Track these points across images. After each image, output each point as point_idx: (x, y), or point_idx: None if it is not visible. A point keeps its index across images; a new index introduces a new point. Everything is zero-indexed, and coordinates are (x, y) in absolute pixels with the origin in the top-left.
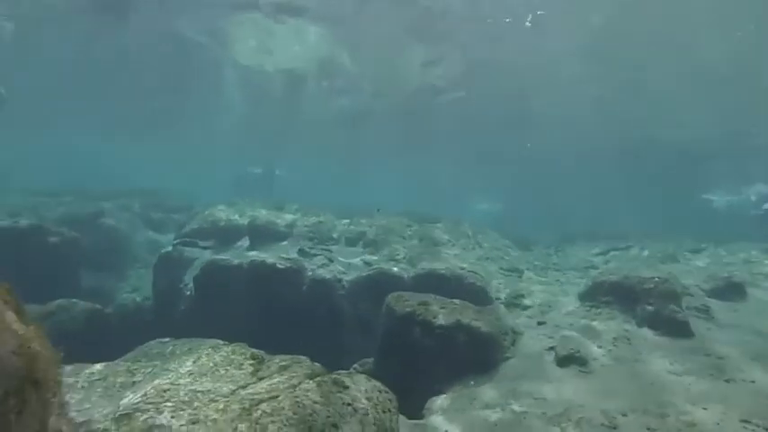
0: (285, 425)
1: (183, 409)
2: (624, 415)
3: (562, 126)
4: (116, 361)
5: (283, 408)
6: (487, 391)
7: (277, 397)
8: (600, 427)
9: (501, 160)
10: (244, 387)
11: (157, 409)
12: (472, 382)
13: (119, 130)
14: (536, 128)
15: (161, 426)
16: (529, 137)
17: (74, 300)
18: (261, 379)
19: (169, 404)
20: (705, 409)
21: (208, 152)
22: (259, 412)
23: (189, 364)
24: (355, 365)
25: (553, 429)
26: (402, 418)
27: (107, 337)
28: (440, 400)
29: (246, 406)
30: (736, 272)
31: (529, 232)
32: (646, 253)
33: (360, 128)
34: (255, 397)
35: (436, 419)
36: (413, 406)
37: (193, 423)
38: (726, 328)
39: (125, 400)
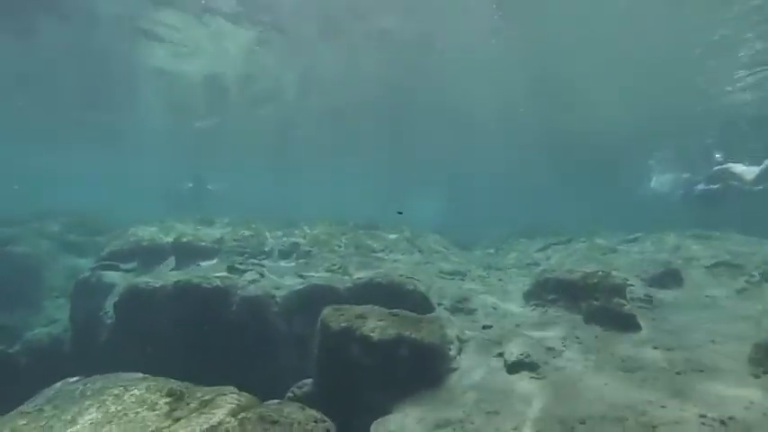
0: None
1: None
2: (582, 422)
3: (493, 122)
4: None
5: None
6: (435, 408)
7: None
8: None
9: (435, 161)
10: (159, 430)
11: None
12: (419, 400)
13: (33, 142)
14: (464, 126)
15: None
16: (458, 136)
17: None
18: (176, 420)
19: None
20: (663, 407)
21: (134, 167)
22: None
23: (93, 410)
24: (293, 389)
25: None
26: None
27: (14, 382)
28: (385, 423)
29: None
30: (670, 259)
31: (469, 233)
32: (585, 245)
33: (288, 135)
34: None
35: None
36: (357, 429)
37: None
38: (669, 318)
39: None
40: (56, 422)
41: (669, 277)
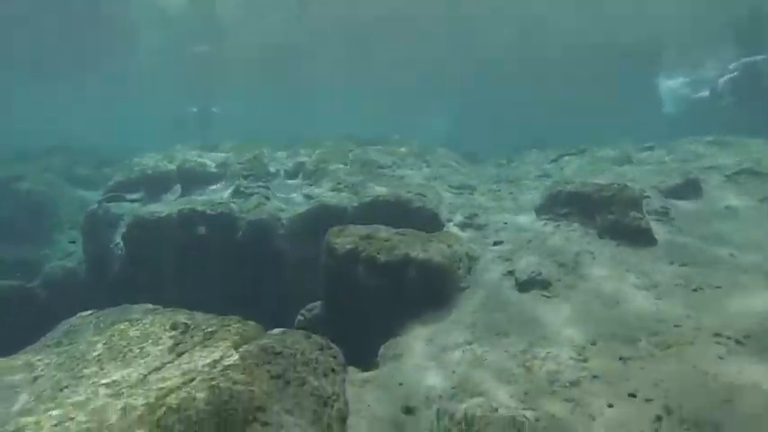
0: (194, 422)
1: (71, 417)
2: (593, 344)
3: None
4: (18, 353)
5: (195, 399)
6: (444, 330)
7: (191, 382)
8: (569, 360)
9: (445, 73)
10: (158, 370)
11: (37, 424)
12: (427, 322)
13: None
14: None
15: None
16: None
17: None
18: (180, 355)
19: (54, 413)
20: (677, 326)
21: (136, 96)
22: (163, 410)
23: (99, 347)
24: (302, 312)
25: (517, 371)
26: (353, 371)
27: (36, 316)
28: (393, 345)
29: (152, 401)
30: (689, 168)
31: (480, 146)
32: (599, 156)
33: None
34: (166, 385)
35: (390, 368)
36: (366, 351)
37: None
38: (686, 230)
39: (16, 407)
40: (65, 359)
41: (687, 188)
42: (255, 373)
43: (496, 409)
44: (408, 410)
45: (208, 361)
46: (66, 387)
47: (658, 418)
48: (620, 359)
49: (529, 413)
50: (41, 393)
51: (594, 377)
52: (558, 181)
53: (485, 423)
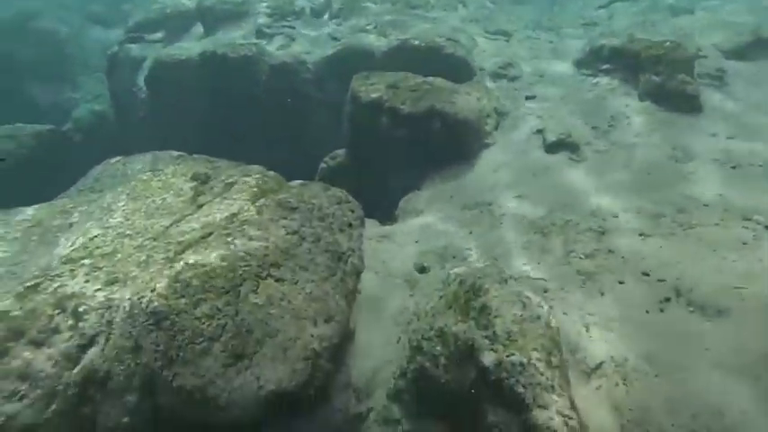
0: (209, 278)
1: (100, 267)
2: (615, 216)
3: None
4: (54, 200)
5: (211, 255)
6: (466, 187)
7: (209, 236)
8: (587, 232)
9: None
10: (178, 222)
11: (72, 271)
12: (449, 178)
13: None
14: None
15: (72, 295)
16: None
17: (18, 124)
18: (200, 207)
19: (87, 262)
20: (706, 205)
21: None
22: (181, 264)
23: (123, 198)
24: (326, 159)
25: (533, 237)
26: (371, 224)
27: (69, 160)
28: (413, 199)
29: (171, 254)
30: (762, 22)
31: None
32: (658, 2)
33: None
34: (185, 239)
35: (408, 224)
36: (386, 203)
37: (110, 284)
38: (741, 99)
39: (58, 249)
40: (96, 208)
41: (754, 47)
42: (271, 230)
43: (506, 280)
44: (422, 269)
45: (225, 215)
46: (96, 237)
47: (666, 299)
48: (641, 235)
49: (539, 283)
50: (75, 242)
51: (610, 251)
52: (603, 33)
53: (492, 295)
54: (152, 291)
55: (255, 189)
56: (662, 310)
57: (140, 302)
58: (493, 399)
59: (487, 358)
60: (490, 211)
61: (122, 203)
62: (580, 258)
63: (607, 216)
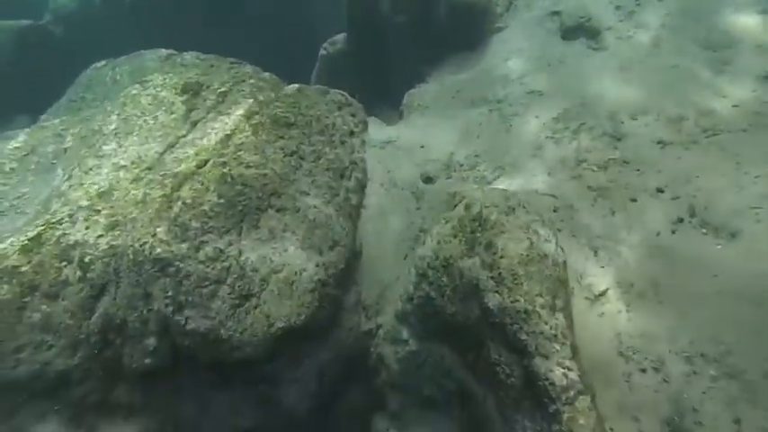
0: (209, 218)
1: (99, 210)
2: (634, 118)
3: None
4: (41, 120)
5: (208, 190)
6: (474, 80)
7: (204, 166)
8: (603, 137)
9: None
10: (172, 146)
11: (71, 216)
12: (455, 68)
13: None
14: None
15: (75, 244)
16: None
17: None
18: (194, 125)
19: (85, 203)
20: (736, 106)
21: None
22: (179, 204)
23: (114, 119)
24: (325, 46)
25: (544, 143)
26: (375, 124)
27: (52, 58)
28: (418, 94)
29: (168, 191)
30: None
31: None
32: None
33: None
34: (181, 169)
35: (414, 124)
36: (390, 97)
37: (111, 229)
38: None
39: (56, 181)
40: (86, 131)
41: None
42: (268, 153)
43: (513, 209)
44: (428, 179)
45: (220, 136)
46: (91, 170)
47: (679, 220)
48: (659, 143)
49: (548, 200)
50: (72, 174)
51: (625, 162)
52: None
53: (498, 230)
54: (153, 236)
55: (250, 99)
56: (673, 232)
57: (143, 249)
58: (496, 339)
59: (492, 301)
60: (500, 110)
61: (114, 126)
62: (593, 171)
63: (625, 119)
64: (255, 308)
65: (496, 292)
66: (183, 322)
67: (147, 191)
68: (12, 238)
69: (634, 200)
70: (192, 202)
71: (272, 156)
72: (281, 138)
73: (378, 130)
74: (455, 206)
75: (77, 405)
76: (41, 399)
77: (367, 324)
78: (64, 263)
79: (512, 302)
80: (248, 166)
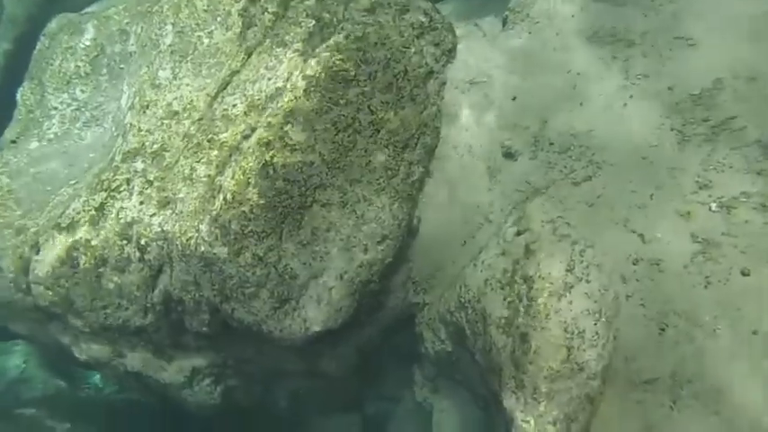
0: (248, 221)
1: (151, 182)
2: None
3: None
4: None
5: (248, 184)
6: None
7: (249, 138)
8: None
9: None
10: (225, 86)
11: (128, 184)
12: None
13: None
14: None
15: (132, 221)
16: None
17: None
18: (248, 55)
19: (139, 166)
20: None
21: None
22: (220, 200)
23: (169, 29)
24: None
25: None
26: (470, 37)
27: None
28: None
29: (212, 171)
30: None
31: None
32: None
33: None
34: (227, 139)
35: (514, 45)
36: None
37: (162, 207)
38: None
39: (123, 100)
40: (146, 39)
41: None
42: (318, 130)
43: (572, 270)
44: (509, 154)
45: (272, 89)
46: (148, 107)
47: None
48: None
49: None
50: (133, 105)
51: None
52: None
53: (542, 308)
54: (197, 231)
55: (311, 23)
56: None
57: (189, 244)
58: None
59: (507, 401)
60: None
61: (169, 41)
62: None
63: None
64: (294, 310)
65: (514, 393)
66: (229, 311)
67: (194, 163)
68: (81, 200)
69: None
70: (233, 200)
71: (321, 134)
72: (336, 104)
73: (469, 52)
74: (518, 233)
75: (157, 343)
76: (130, 336)
77: (415, 297)
78: (125, 241)
79: (523, 420)
80: (293, 149)
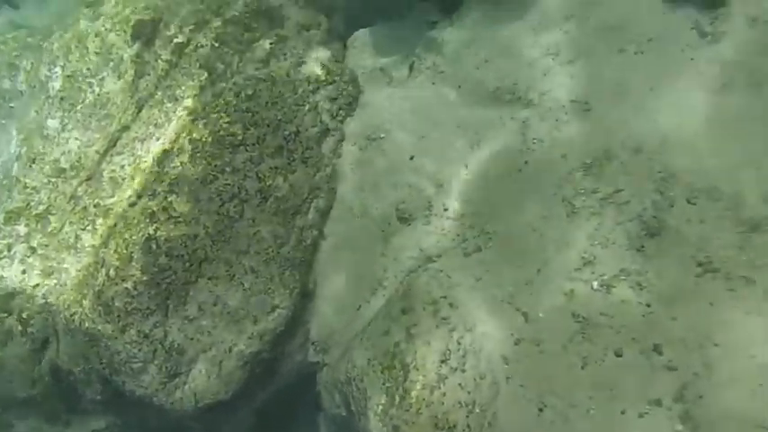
0: (132, 297)
1: (34, 249)
2: None
3: None
4: None
5: (131, 259)
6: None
7: (135, 205)
8: None
9: None
10: (114, 143)
11: (9, 250)
12: None
13: None
14: None
15: (14, 293)
16: None
17: None
18: (139, 109)
19: (22, 230)
20: None
21: None
22: (103, 274)
23: (58, 71)
24: None
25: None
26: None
27: None
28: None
29: (97, 241)
30: None
31: None
32: None
33: None
34: (113, 206)
35: (414, 97)
36: None
37: (46, 276)
38: None
39: (12, 146)
40: (35, 80)
41: None
42: (202, 201)
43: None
44: (403, 218)
45: (158, 152)
46: (35, 161)
47: None
48: None
49: None
50: (21, 155)
51: None
52: None
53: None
54: (80, 306)
55: (204, 75)
56: None
57: (74, 319)
58: None
59: None
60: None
61: (59, 86)
62: None
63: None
64: (184, 384)
65: None
66: (120, 383)
67: (80, 231)
68: None
69: None
70: (116, 275)
71: (206, 205)
72: (222, 172)
73: (370, 104)
74: (403, 312)
75: (49, 411)
76: (20, 406)
77: (315, 357)
78: (5, 314)
79: None
80: (177, 222)
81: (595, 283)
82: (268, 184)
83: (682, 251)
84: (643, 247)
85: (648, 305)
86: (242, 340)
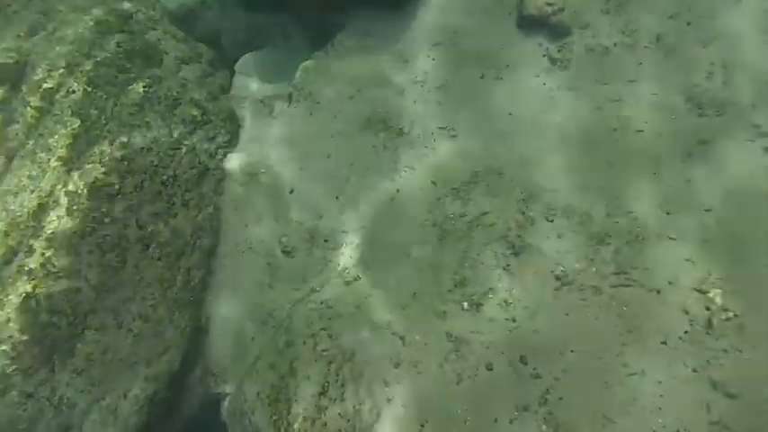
0: (11, 359)
1: None
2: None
3: None
4: None
5: (9, 320)
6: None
7: (10, 264)
8: None
9: None
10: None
11: None
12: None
13: None
14: None
15: None
16: None
17: None
18: (10, 160)
19: None
20: None
21: None
22: None
23: None
24: None
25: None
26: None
27: None
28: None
29: None
30: None
31: None
32: None
33: None
34: (2, 252)
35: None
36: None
37: None
38: None
39: None
40: None
41: None
42: (83, 254)
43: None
44: (286, 251)
45: (33, 206)
46: None
47: None
48: None
49: None
50: None
51: None
52: None
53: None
54: None
55: (77, 122)
56: None
57: None
58: None
59: None
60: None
61: None
62: None
63: None
64: None
65: None
66: None
67: None
68: None
69: None
70: None
71: (87, 258)
72: (101, 223)
73: (251, 138)
74: (286, 345)
75: None
76: None
77: (216, 388)
78: None
79: None
80: (58, 277)
81: (465, 304)
82: (149, 230)
83: (542, 267)
84: (509, 265)
85: (514, 320)
86: (136, 384)
